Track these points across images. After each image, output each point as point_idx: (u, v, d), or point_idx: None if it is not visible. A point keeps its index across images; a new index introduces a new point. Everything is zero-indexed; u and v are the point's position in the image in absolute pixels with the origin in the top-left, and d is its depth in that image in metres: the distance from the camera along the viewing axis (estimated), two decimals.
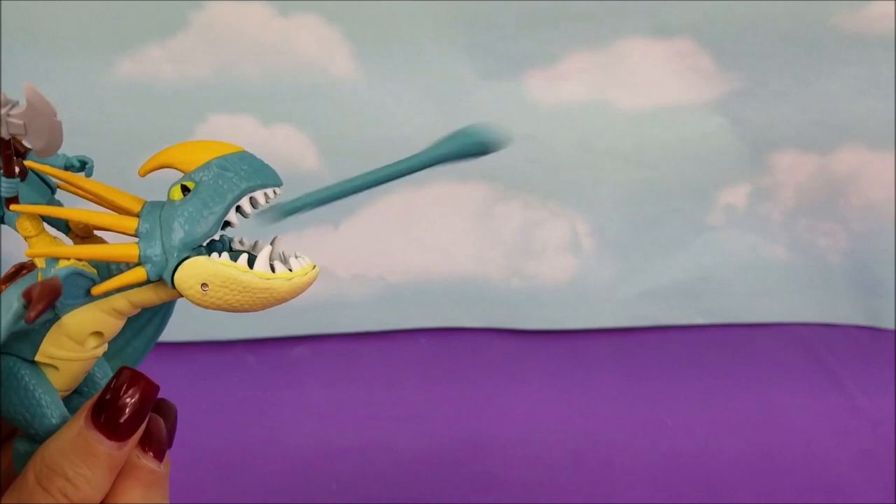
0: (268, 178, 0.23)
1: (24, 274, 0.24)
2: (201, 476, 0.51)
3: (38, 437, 0.24)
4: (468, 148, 0.24)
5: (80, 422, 0.23)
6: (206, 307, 0.22)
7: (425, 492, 0.51)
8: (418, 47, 0.60)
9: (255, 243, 0.24)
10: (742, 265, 0.67)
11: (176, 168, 0.23)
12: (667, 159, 0.64)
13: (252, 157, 0.23)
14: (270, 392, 0.59)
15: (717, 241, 0.67)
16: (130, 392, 0.23)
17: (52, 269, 0.22)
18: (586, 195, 0.65)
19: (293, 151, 0.61)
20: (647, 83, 0.62)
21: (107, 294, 0.23)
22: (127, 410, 0.23)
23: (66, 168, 0.25)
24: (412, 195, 0.64)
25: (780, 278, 0.68)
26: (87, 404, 0.23)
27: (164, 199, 0.23)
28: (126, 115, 0.59)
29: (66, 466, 0.22)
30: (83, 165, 0.25)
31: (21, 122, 0.20)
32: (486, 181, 0.64)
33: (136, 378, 0.23)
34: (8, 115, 0.20)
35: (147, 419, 0.23)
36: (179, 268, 0.22)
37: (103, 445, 0.23)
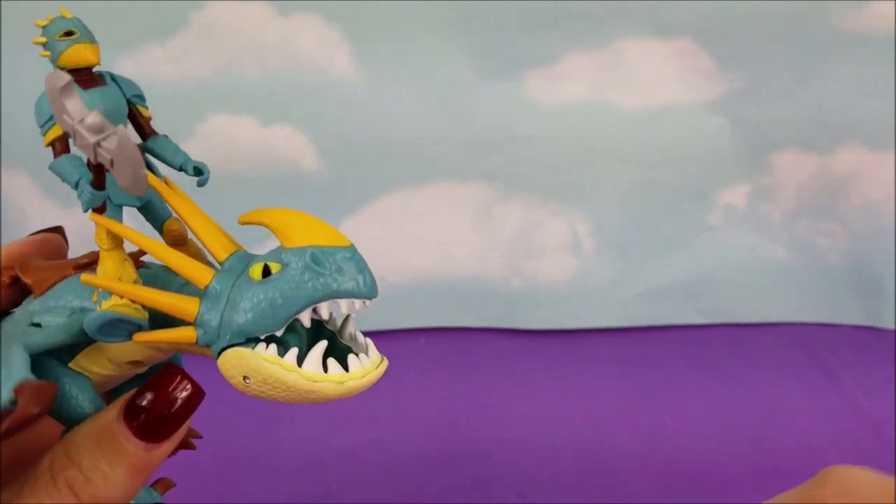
0: (360, 287, 0.20)
1: (72, 274, 0.23)
2: (201, 475, 0.51)
3: (68, 426, 0.23)
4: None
5: (111, 413, 0.21)
6: (248, 394, 0.21)
7: (425, 492, 0.51)
8: (418, 47, 0.60)
9: (346, 318, 0.22)
10: (742, 265, 0.67)
11: (273, 233, 0.21)
12: (667, 159, 0.64)
13: (353, 256, 0.21)
14: None
15: (717, 241, 0.67)
16: (175, 394, 0.21)
17: (102, 304, 0.21)
18: (586, 195, 0.65)
19: (293, 151, 0.61)
20: (647, 83, 0.62)
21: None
22: (167, 412, 0.21)
23: (180, 168, 0.24)
24: (412, 195, 0.64)
25: (780, 278, 0.68)
26: (124, 397, 0.22)
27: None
28: None
29: (83, 457, 0.21)
30: (198, 173, 0.24)
31: (109, 156, 0.20)
32: (486, 181, 0.64)
33: (183, 380, 0.22)
34: (98, 146, 0.20)
35: (185, 427, 0.22)
36: (224, 353, 0.20)
37: (131, 444, 0.21)
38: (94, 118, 0.19)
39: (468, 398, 0.60)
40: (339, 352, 0.22)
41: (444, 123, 0.62)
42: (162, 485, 0.25)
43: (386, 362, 0.22)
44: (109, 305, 0.21)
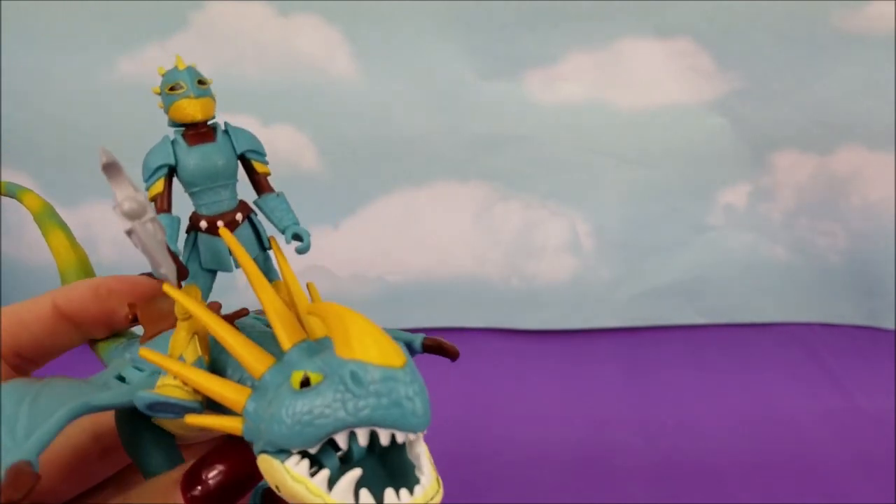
0: (403, 419, 0.18)
1: (170, 327, 0.22)
2: None
3: (145, 474, 0.22)
4: None
5: (171, 478, 0.21)
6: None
7: None
8: (418, 47, 0.60)
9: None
10: (742, 265, 0.67)
11: (326, 327, 0.19)
12: (667, 159, 0.64)
13: (404, 380, 0.18)
14: None
15: (717, 241, 0.67)
16: (232, 474, 0.20)
17: (160, 380, 0.20)
18: (586, 195, 0.65)
19: (293, 151, 0.61)
20: (647, 83, 0.62)
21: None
22: (222, 492, 0.20)
23: (282, 232, 0.22)
24: (412, 195, 0.64)
25: (780, 278, 0.68)
26: (187, 465, 0.21)
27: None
28: (126, 115, 0.59)
29: None
30: (297, 239, 0.22)
31: (139, 247, 0.19)
32: (486, 181, 0.64)
33: (242, 462, 0.20)
34: (129, 234, 0.19)
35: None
36: (260, 456, 0.19)
37: None
38: (129, 205, 0.18)
39: (468, 398, 0.60)
40: (396, 476, 0.19)
41: (444, 123, 0.62)
42: None
43: (441, 492, 0.19)
44: (160, 386, 0.20)
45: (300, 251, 0.22)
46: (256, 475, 0.20)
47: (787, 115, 0.63)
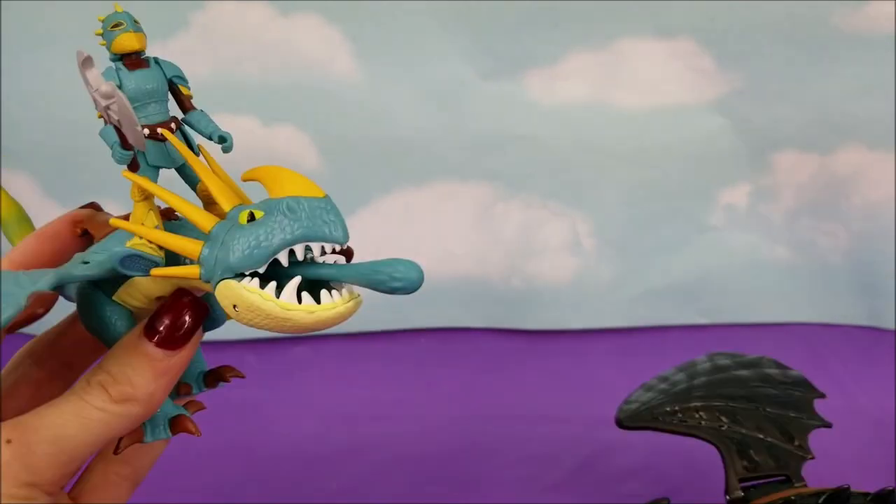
0: (329, 233, 0.23)
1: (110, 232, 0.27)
2: (201, 475, 0.51)
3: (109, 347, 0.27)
4: (385, 283, 0.24)
5: (136, 331, 0.25)
6: (242, 324, 0.24)
7: (425, 492, 0.51)
8: (418, 47, 0.60)
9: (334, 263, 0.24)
10: (742, 265, 0.67)
11: (263, 186, 0.25)
12: (667, 159, 0.64)
13: (325, 207, 0.24)
14: (271, 392, 0.59)
15: (718, 241, 0.67)
16: (185, 310, 0.25)
17: (123, 244, 0.25)
18: (586, 195, 0.65)
19: (293, 151, 0.61)
20: (648, 83, 0.62)
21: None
22: (180, 325, 0.25)
23: (209, 137, 0.27)
24: (412, 195, 0.64)
25: (780, 278, 0.67)
26: (146, 318, 0.26)
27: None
28: None
29: (112, 365, 0.25)
30: (222, 141, 0.27)
31: (117, 117, 0.25)
32: (486, 181, 0.64)
33: (192, 299, 0.26)
34: (108, 109, 0.24)
35: (198, 338, 0.26)
36: (218, 285, 0.24)
37: (151, 351, 0.25)
38: (106, 87, 0.24)
39: (468, 398, 0.60)
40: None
41: (444, 123, 0.62)
42: (193, 405, 0.29)
43: (359, 300, 0.24)
44: (132, 244, 0.25)
45: (225, 150, 0.27)
46: (201, 312, 0.26)
47: (788, 115, 0.63)
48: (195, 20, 0.57)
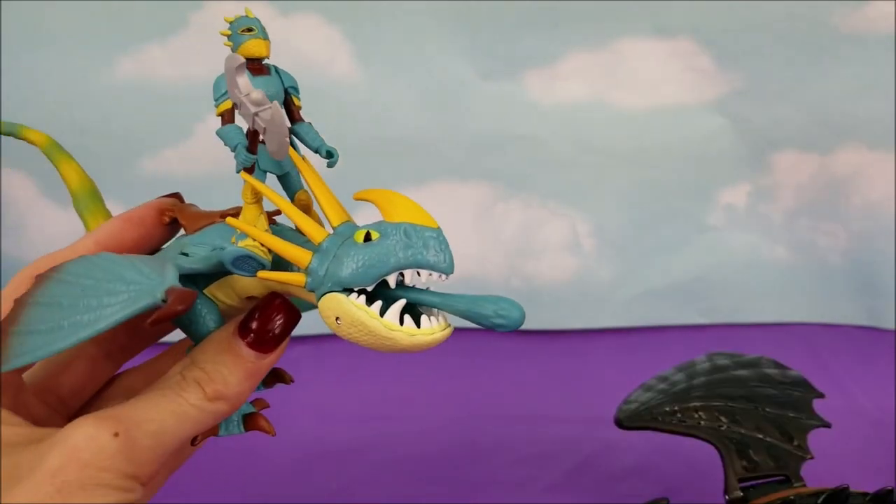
0: (438, 263, 0.25)
1: (218, 221, 0.28)
2: (201, 475, 0.51)
3: (194, 339, 0.28)
4: (489, 319, 0.25)
5: (229, 329, 0.26)
6: (340, 336, 0.25)
7: (425, 492, 0.51)
8: (418, 47, 0.60)
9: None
10: (742, 265, 0.67)
11: (378, 208, 0.26)
12: (667, 159, 0.64)
13: (438, 237, 0.25)
14: (270, 392, 0.59)
15: (717, 241, 0.67)
16: (280, 315, 0.26)
17: (237, 242, 0.26)
18: (586, 195, 0.65)
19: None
20: (647, 83, 0.62)
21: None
22: (274, 329, 0.26)
23: (316, 151, 0.28)
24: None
25: (780, 278, 0.68)
26: (239, 317, 0.26)
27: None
28: (126, 115, 0.59)
29: (207, 362, 0.26)
30: (328, 156, 0.28)
31: (263, 125, 0.25)
32: (486, 181, 0.64)
33: (286, 304, 0.26)
34: (256, 115, 0.25)
35: (286, 342, 0.27)
36: (324, 297, 0.24)
37: (245, 352, 0.26)
38: (257, 94, 0.25)
39: (468, 398, 0.60)
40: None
41: (444, 123, 0.62)
42: (259, 403, 0.30)
43: (452, 328, 0.25)
44: (244, 244, 0.26)
45: (331, 165, 0.28)
46: (293, 319, 0.26)
47: (787, 115, 0.63)
48: (195, 20, 0.57)
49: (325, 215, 0.26)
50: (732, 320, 0.68)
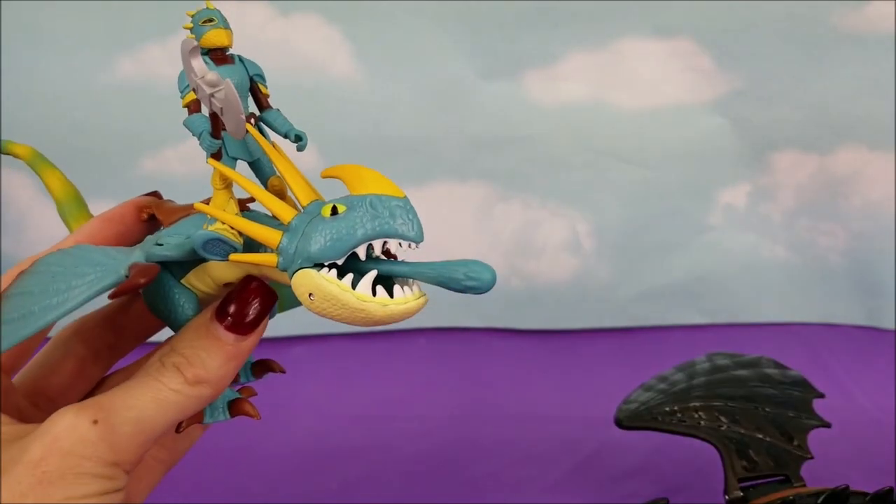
0: (407, 231, 0.25)
1: (193, 212, 0.28)
2: (201, 475, 0.51)
3: (175, 329, 0.28)
4: (460, 282, 0.25)
5: (207, 314, 0.26)
6: (315, 313, 0.25)
7: (425, 492, 0.51)
8: (418, 47, 0.60)
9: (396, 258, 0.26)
10: (742, 265, 0.67)
11: (344, 183, 0.26)
12: (667, 159, 0.64)
13: (405, 206, 0.25)
14: (270, 392, 0.59)
15: (717, 241, 0.67)
16: (256, 297, 0.26)
17: (205, 227, 0.26)
18: (586, 195, 0.65)
19: (292, 151, 0.61)
20: (647, 83, 0.62)
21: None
22: (251, 311, 0.26)
23: (285, 136, 0.29)
24: (412, 195, 0.63)
25: (780, 278, 0.68)
26: (216, 302, 0.27)
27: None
28: (126, 115, 0.59)
29: (186, 348, 0.26)
30: (297, 139, 0.29)
31: (220, 105, 0.25)
32: (486, 181, 0.64)
33: (262, 286, 0.27)
34: (212, 97, 0.25)
35: (265, 324, 0.27)
36: (296, 274, 0.24)
37: (223, 335, 0.26)
38: (212, 75, 0.25)
39: (468, 398, 0.60)
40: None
41: (444, 123, 0.62)
42: (247, 391, 0.30)
43: (426, 298, 0.25)
44: (214, 228, 0.26)
45: (299, 149, 0.29)
46: (270, 300, 0.27)
47: (787, 115, 0.63)
48: None
49: (296, 196, 0.27)
50: (732, 320, 0.68)
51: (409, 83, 0.60)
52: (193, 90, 0.26)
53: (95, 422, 0.23)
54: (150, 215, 0.30)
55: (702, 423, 0.42)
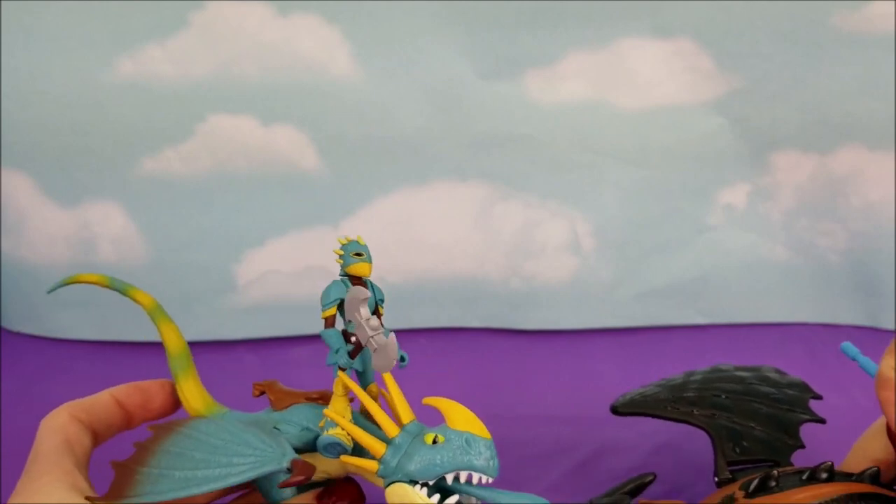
0: (487, 468, 0.31)
1: (302, 402, 0.36)
2: None
3: (266, 496, 0.34)
4: None
5: (307, 498, 0.33)
6: None
7: None
8: (418, 47, 0.60)
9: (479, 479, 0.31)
10: (742, 265, 0.67)
11: (444, 415, 0.32)
12: (667, 159, 0.64)
13: (489, 447, 0.31)
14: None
15: (717, 241, 0.67)
16: (352, 496, 0.34)
17: (329, 431, 0.33)
18: (586, 195, 0.65)
19: (293, 151, 0.61)
20: (647, 83, 0.62)
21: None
22: None
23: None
24: (412, 195, 0.64)
25: (780, 278, 0.68)
26: (317, 489, 0.33)
27: None
28: (126, 115, 0.59)
29: None
30: (402, 360, 0.34)
31: (376, 346, 0.32)
32: (486, 181, 0.64)
33: (358, 488, 0.34)
34: (372, 337, 0.31)
35: None
36: (393, 484, 0.30)
37: None
38: (375, 321, 0.32)
39: (467, 398, 0.60)
40: None
41: (444, 123, 0.62)
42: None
43: None
44: (335, 433, 0.32)
45: (402, 367, 0.34)
46: (361, 502, 0.34)
47: (787, 115, 0.63)
48: (195, 20, 0.57)
49: (396, 413, 0.33)
50: (732, 320, 0.68)
51: (409, 83, 0.60)
52: (341, 315, 0.33)
53: None
54: (261, 392, 0.37)
55: (696, 411, 0.43)
